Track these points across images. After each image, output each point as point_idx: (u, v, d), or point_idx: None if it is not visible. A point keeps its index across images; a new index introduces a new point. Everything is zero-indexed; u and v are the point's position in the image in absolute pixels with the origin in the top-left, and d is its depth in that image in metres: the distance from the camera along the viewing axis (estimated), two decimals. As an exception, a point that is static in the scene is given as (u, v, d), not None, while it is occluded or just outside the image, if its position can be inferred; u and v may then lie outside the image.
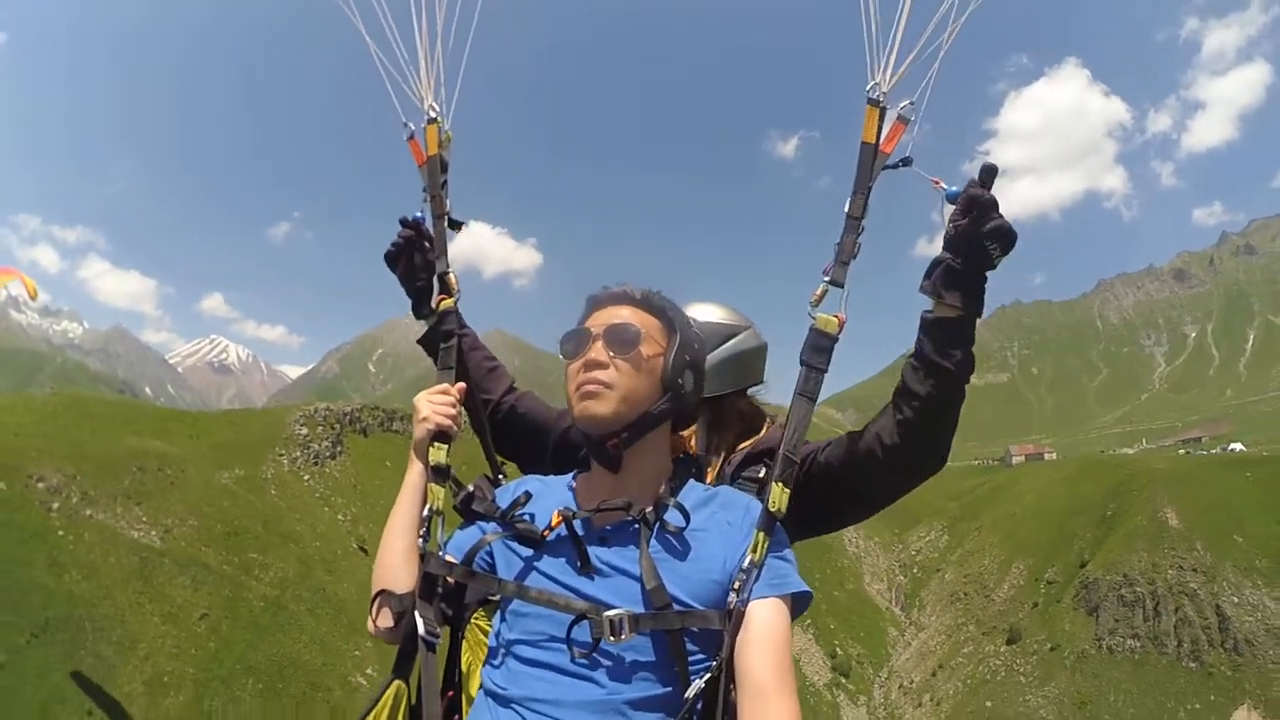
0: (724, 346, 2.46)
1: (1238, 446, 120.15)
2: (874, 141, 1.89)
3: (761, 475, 2.17)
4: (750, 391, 2.56)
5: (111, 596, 39.24)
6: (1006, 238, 1.75)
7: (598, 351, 1.77)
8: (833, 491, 2.02)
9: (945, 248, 1.83)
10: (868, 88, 1.89)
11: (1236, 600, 62.01)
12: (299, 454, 62.86)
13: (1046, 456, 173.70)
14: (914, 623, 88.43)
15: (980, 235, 1.75)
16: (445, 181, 2.38)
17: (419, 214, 2.38)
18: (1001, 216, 1.74)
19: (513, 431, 2.48)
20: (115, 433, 54.10)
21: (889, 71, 1.87)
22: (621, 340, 1.77)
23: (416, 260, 2.40)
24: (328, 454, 65.25)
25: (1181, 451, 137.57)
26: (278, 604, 46.35)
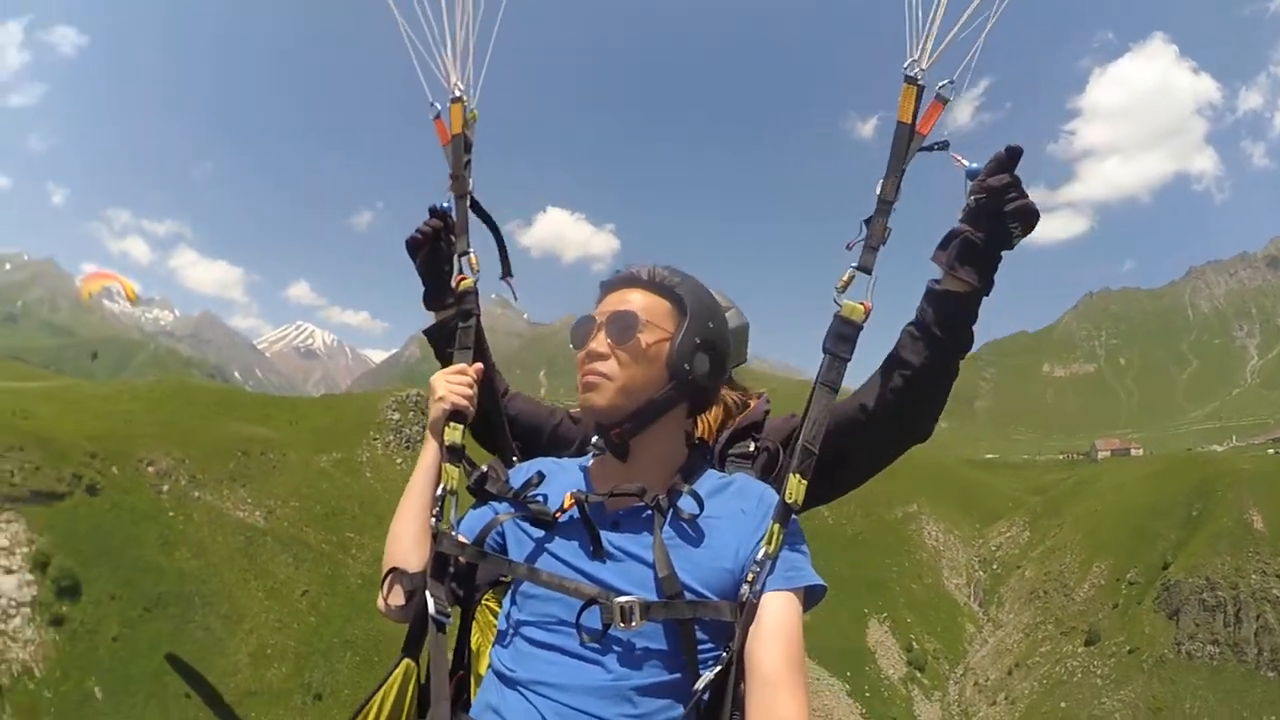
0: None
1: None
2: (910, 122, 1.85)
3: (752, 449, 2.18)
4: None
5: (219, 573, 41.77)
6: (1029, 218, 1.76)
7: (599, 342, 1.76)
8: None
9: (964, 221, 1.82)
10: (905, 65, 1.84)
11: (1319, 610, 59.75)
12: (391, 438, 65.26)
13: (1133, 452, 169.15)
14: (992, 619, 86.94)
15: (1004, 213, 1.75)
16: (469, 161, 2.36)
17: (446, 204, 2.36)
18: (1025, 196, 1.74)
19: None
20: (219, 419, 56.91)
21: (928, 49, 1.83)
22: (620, 329, 1.75)
23: (441, 249, 2.38)
24: (419, 438, 65.99)
25: (1270, 451, 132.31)
26: (373, 581, 47.61)
